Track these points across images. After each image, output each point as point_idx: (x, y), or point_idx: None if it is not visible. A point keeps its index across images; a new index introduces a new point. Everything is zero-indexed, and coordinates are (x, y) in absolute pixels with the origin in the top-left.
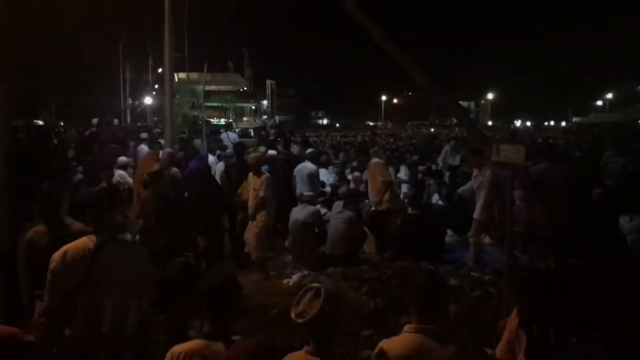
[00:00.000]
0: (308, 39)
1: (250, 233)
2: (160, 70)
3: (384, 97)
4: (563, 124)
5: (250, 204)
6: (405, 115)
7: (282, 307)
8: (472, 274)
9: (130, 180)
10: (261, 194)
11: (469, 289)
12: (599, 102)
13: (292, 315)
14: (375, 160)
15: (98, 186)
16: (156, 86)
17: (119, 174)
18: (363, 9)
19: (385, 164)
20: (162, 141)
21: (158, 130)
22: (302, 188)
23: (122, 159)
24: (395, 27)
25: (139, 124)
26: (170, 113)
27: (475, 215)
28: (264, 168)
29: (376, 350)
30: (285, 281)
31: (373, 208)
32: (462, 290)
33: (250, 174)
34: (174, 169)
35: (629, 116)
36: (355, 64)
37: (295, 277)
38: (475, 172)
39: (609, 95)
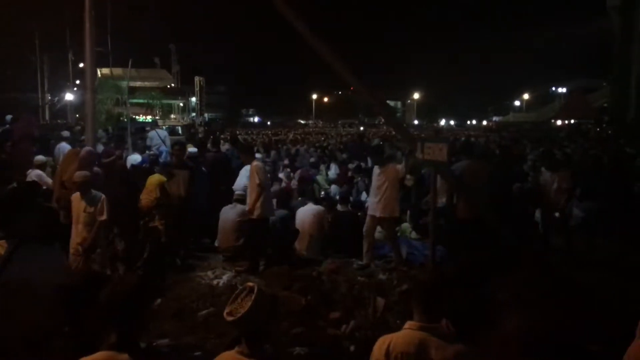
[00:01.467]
0: (239, 36)
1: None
2: (81, 64)
3: (314, 96)
4: (484, 122)
5: (88, 228)
6: (336, 113)
7: (211, 309)
8: (400, 268)
9: (48, 180)
10: (102, 217)
11: (397, 282)
12: (517, 103)
13: (224, 314)
14: (255, 162)
15: (8, 188)
16: (77, 81)
17: (36, 173)
18: (292, 8)
19: (264, 167)
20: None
21: (79, 127)
22: (239, 183)
23: (40, 157)
24: (324, 27)
25: (58, 121)
26: (92, 110)
27: (381, 214)
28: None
29: (376, 345)
30: (215, 282)
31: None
32: (391, 285)
33: (77, 195)
34: (95, 169)
35: (543, 116)
36: (286, 63)
37: (225, 278)
38: (378, 171)
39: (526, 96)
